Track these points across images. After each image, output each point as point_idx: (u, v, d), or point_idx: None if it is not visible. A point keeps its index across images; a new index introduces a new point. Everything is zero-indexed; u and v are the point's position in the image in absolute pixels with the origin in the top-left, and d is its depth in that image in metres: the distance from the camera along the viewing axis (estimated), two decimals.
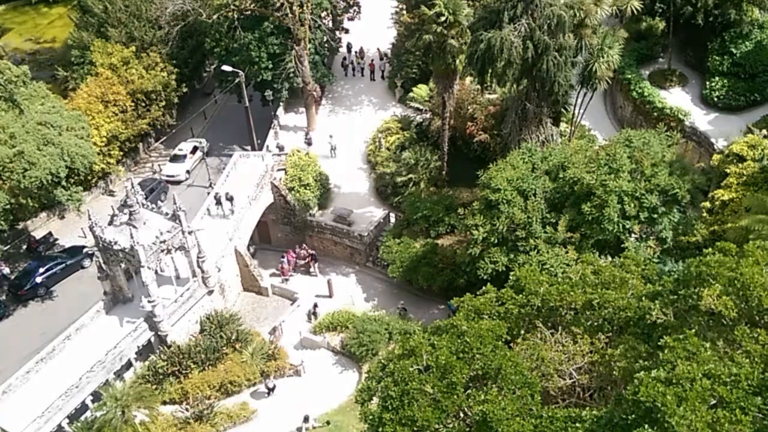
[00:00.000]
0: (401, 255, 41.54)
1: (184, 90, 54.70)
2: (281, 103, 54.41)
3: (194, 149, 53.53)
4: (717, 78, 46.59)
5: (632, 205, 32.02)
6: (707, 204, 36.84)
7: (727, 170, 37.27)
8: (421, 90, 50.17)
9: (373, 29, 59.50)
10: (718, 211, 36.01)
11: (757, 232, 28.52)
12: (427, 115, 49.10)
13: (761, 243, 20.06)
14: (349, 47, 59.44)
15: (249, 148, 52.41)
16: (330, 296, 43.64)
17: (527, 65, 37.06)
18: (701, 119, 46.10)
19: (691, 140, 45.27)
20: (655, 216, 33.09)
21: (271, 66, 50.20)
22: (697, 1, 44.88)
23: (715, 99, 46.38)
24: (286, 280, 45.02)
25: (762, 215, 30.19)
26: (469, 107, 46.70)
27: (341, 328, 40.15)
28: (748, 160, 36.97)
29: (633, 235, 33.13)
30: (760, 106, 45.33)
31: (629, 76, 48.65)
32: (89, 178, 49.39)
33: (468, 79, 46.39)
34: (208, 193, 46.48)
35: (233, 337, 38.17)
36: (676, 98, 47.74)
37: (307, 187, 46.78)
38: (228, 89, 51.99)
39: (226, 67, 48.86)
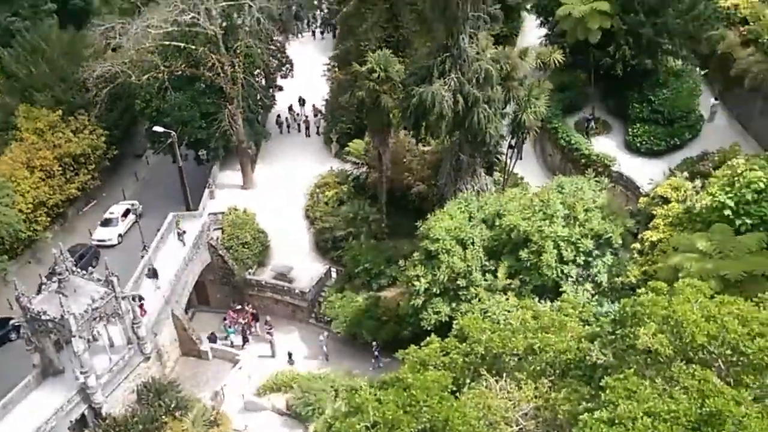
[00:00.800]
0: (344, 309, 41.15)
1: (115, 152, 53.70)
2: (217, 162, 53.95)
3: (126, 212, 52.20)
4: (638, 124, 48.79)
5: (568, 249, 32.78)
6: (638, 245, 38.02)
7: (654, 212, 38.72)
8: (357, 144, 50.68)
9: (307, 86, 60.17)
10: (648, 251, 37.19)
11: (686, 270, 29.53)
12: (364, 169, 49.54)
13: (690, 281, 20.77)
14: (294, 104, 59.79)
15: (184, 208, 51.53)
16: (272, 356, 42.64)
17: (459, 118, 38.10)
18: (627, 164, 47.98)
19: (618, 184, 46.95)
20: (590, 259, 33.94)
21: (204, 125, 49.95)
22: (615, 53, 47.23)
23: (638, 144, 48.46)
24: (232, 342, 43.89)
25: (689, 253, 31.32)
26: (405, 159, 47.39)
27: (285, 388, 39.11)
28: (673, 202, 38.56)
29: (570, 278, 33.81)
30: (679, 150, 47.55)
31: (556, 125, 50.46)
32: (15, 246, 47.42)
33: (402, 132, 47.22)
34: (142, 257, 45.21)
35: (173, 405, 36.58)
36: (602, 145, 49.67)
37: (246, 246, 46.14)
38: (161, 150, 51.30)
39: (157, 128, 48.31)
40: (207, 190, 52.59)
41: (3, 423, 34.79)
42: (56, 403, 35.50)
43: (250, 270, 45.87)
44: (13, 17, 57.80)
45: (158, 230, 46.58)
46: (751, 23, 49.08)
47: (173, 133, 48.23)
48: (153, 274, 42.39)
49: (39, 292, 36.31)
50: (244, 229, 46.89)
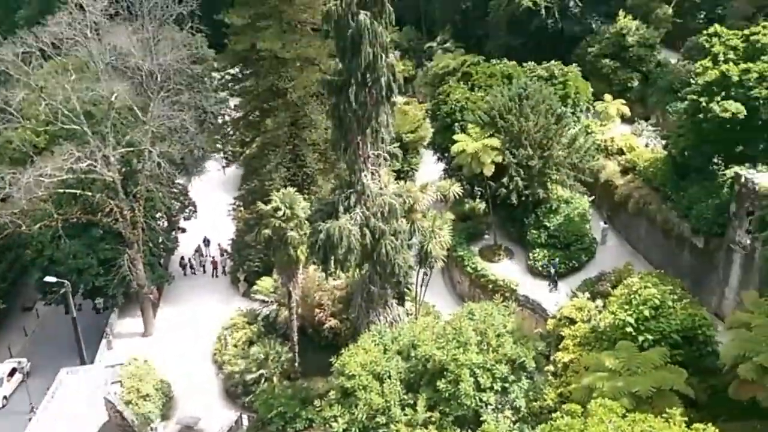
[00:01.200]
0: None
1: (2, 306, 50.00)
2: (116, 309, 51.18)
3: (12, 371, 47.82)
4: (537, 249, 50.87)
5: (485, 376, 32.48)
6: (551, 367, 38.32)
7: (562, 333, 39.51)
8: (265, 282, 49.72)
9: (212, 225, 59.51)
10: (562, 373, 37.48)
11: (599, 389, 29.78)
12: (274, 307, 48.33)
13: (603, 401, 20.83)
14: (199, 244, 58.65)
15: (78, 362, 47.89)
16: None
17: (367, 251, 38.37)
18: (531, 288, 49.39)
19: (526, 308, 48.01)
20: (507, 385, 33.69)
21: (102, 272, 47.76)
22: (509, 184, 49.91)
23: (540, 268, 50.26)
24: None
25: (600, 372, 31.75)
26: (315, 295, 46.75)
27: None
28: (579, 322, 39.60)
29: (489, 406, 33.25)
30: (579, 271, 49.66)
31: (462, 253, 51.81)
32: None
33: (312, 268, 46.87)
34: (30, 420, 40.98)
35: None
36: (506, 270, 51.16)
37: (147, 398, 42.92)
38: (52, 301, 48.24)
39: (50, 278, 45.66)
40: (104, 341, 49.41)
41: None
42: None
43: (152, 425, 42.42)
44: None
45: (48, 389, 42.76)
46: (627, 153, 53.75)
47: (67, 282, 45.67)
48: None
49: None
50: (145, 380, 43.85)
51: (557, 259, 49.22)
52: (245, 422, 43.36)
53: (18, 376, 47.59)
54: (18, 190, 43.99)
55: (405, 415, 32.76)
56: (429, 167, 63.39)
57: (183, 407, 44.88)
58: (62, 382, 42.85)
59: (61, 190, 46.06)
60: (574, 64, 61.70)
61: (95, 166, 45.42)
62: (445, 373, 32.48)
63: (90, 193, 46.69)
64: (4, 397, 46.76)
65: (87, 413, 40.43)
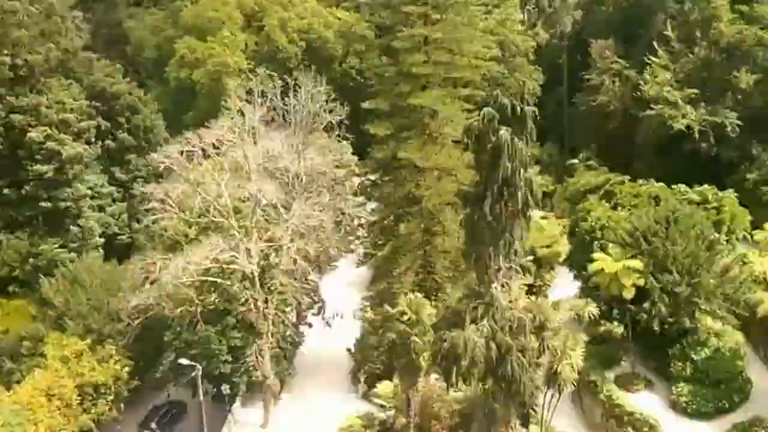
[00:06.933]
0: None
1: (137, 383, 52.39)
2: (238, 398, 52.04)
3: None
4: (682, 383, 46.37)
5: None
6: None
7: None
8: (386, 387, 48.69)
9: (338, 324, 60.05)
10: None
11: None
12: (391, 413, 46.99)
13: None
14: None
15: None
16: None
17: (491, 365, 36.69)
18: (672, 426, 44.71)
19: None
20: None
21: (230, 359, 49.08)
22: (651, 310, 46.50)
23: (684, 405, 45.60)
24: None
25: None
26: (434, 405, 45.07)
27: None
28: None
29: None
30: (729, 413, 44.52)
31: (595, 378, 48.25)
32: None
33: (433, 376, 45.51)
34: None
35: None
36: (644, 402, 46.85)
37: None
38: (183, 383, 49.94)
39: (183, 360, 47.49)
40: (224, 428, 50.03)
41: None
42: None
43: None
44: (60, 249, 60.38)
45: None
46: None
47: (199, 366, 47.27)
48: None
49: None
50: None
51: None
52: None
53: None
54: (167, 274, 47.05)
55: None
56: (564, 286, 60.89)
57: None
58: None
59: (204, 278, 48.57)
60: (730, 190, 58.18)
61: (237, 258, 47.71)
62: None
63: (229, 283, 48.83)
64: None
65: None
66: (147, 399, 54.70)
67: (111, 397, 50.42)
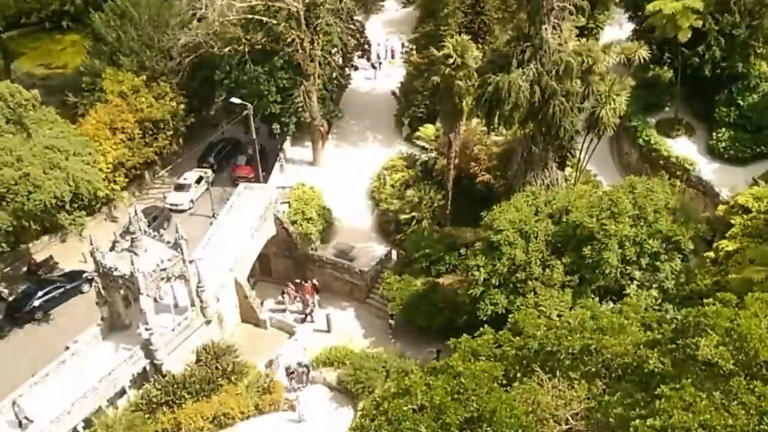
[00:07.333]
0: (402, 292, 41.30)
1: (192, 120, 55.23)
2: (288, 137, 54.81)
3: (199, 179, 53.81)
4: (723, 129, 46.78)
5: (633, 250, 31.88)
6: (711, 254, 36.63)
7: (732, 221, 37.16)
8: (428, 129, 50.51)
9: (384, 67, 60.34)
10: (722, 261, 35.77)
11: (760, 284, 28.26)
12: (433, 155, 49.36)
13: (761, 295, 19.88)
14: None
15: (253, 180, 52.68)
16: (328, 331, 43.28)
17: (534, 109, 37.40)
18: (706, 169, 46.17)
19: (697, 189, 45.27)
20: (657, 263, 32.91)
21: (279, 100, 50.77)
22: (704, 53, 45.28)
23: (721, 150, 46.50)
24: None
25: (766, 267, 29.97)
26: (474, 148, 46.95)
27: (338, 363, 39.67)
28: (754, 212, 36.90)
29: (634, 281, 32.89)
30: (765, 159, 45.40)
31: (636, 124, 48.91)
32: (93, 203, 49.48)
33: (474, 121, 46.73)
34: (211, 223, 46.55)
35: (229, 369, 37.69)
36: (682, 147, 47.89)
37: (310, 221, 46.79)
38: (235, 121, 52.49)
39: (234, 99, 49.39)
40: (277, 164, 53.56)
41: (71, 369, 36.68)
42: (120, 356, 37.17)
43: (312, 245, 46.55)
44: None
45: (227, 200, 47.90)
46: None
47: (249, 105, 49.21)
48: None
49: (112, 248, 37.87)
50: (310, 204, 47.54)
51: None
52: (394, 257, 46.26)
53: (203, 184, 53.50)
54: (213, 11, 46.99)
55: (544, 275, 33.39)
56: (616, 27, 58.72)
57: (340, 234, 48.55)
58: (240, 195, 47.55)
59: (250, 16, 48.36)
60: None
61: None
62: (592, 241, 32.28)
63: (275, 21, 48.62)
64: (191, 201, 53.12)
65: (259, 225, 45.00)
66: (204, 135, 58.02)
67: (170, 133, 53.76)
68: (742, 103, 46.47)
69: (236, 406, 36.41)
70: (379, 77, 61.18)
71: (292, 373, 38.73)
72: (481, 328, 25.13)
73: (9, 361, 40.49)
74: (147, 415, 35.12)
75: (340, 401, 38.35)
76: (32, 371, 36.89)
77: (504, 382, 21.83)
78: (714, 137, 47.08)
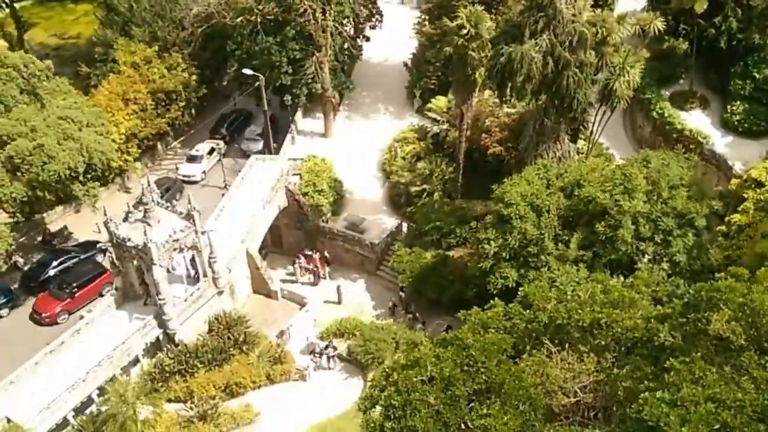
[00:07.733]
0: (412, 265, 41.48)
1: (204, 91, 55.13)
2: (299, 108, 54.66)
3: (211, 150, 53.90)
4: (738, 102, 46.24)
5: (647, 227, 31.78)
6: (723, 228, 36.49)
7: (745, 195, 36.96)
8: (440, 101, 50.21)
9: (394, 38, 59.75)
10: (734, 235, 35.66)
11: None
12: (444, 127, 49.13)
13: None
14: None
15: (265, 151, 52.69)
16: (339, 302, 43.64)
17: (547, 81, 37.06)
18: (720, 142, 45.75)
19: (709, 163, 44.91)
20: (670, 239, 32.82)
21: (291, 71, 50.51)
22: (721, 24, 44.57)
23: (735, 123, 46.01)
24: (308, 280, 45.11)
25: None
26: (486, 120, 46.68)
27: (348, 334, 40.11)
28: (767, 186, 36.64)
29: (646, 256, 32.86)
30: None
31: (650, 96, 48.39)
32: (106, 174, 49.67)
33: (486, 92, 46.39)
34: (223, 195, 46.74)
35: (241, 339, 38.25)
36: (696, 120, 47.40)
37: (321, 193, 46.88)
38: (247, 92, 52.35)
39: (246, 71, 49.18)
40: (288, 136, 53.50)
41: (84, 338, 37.29)
42: (134, 325, 37.73)
43: (323, 217, 46.72)
44: None
45: (239, 171, 48.01)
46: None
47: (261, 76, 49.03)
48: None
49: (125, 219, 38.20)
50: (321, 176, 47.58)
51: None
52: (404, 229, 46.38)
53: (215, 155, 53.60)
54: None
55: (557, 249, 33.41)
56: None
57: (351, 206, 48.66)
58: (252, 166, 47.66)
59: None
60: None
61: None
62: (605, 216, 32.20)
63: None
64: (203, 172, 53.29)
65: (270, 197, 45.17)
66: (216, 107, 57.96)
67: (182, 104, 53.70)
68: (757, 75, 45.82)
69: (248, 375, 37.04)
70: (391, 49, 60.60)
71: (320, 354, 38.93)
72: (491, 301, 25.26)
73: (25, 329, 41.15)
74: (160, 384, 35.79)
75: (350, 372, 38.86)
76: (48, 340, 37.54)
77: (513, 354, 22.01)
78: (728, 110, 46.54)
